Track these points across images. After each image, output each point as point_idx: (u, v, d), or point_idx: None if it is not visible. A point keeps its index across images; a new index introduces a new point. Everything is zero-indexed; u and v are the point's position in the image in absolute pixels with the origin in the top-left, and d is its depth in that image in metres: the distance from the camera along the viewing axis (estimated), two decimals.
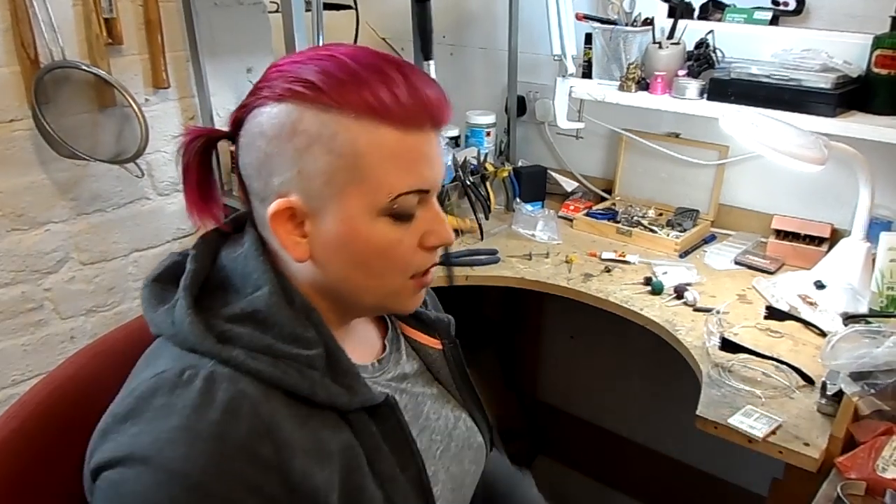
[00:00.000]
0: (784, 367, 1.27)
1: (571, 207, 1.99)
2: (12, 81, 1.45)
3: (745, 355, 1.30)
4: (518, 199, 2.00)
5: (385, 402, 0.74)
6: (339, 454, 0.69)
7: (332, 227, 0.70)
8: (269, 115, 0.68)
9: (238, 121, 0.72)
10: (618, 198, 2.01)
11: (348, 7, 2.00)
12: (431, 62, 1.38)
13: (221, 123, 1.81)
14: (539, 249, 1.79)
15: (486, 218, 1.91)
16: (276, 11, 1.81)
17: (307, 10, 1.50)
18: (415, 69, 0.71)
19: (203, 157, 0.75)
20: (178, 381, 0.64)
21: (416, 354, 0.90)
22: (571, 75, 1.79)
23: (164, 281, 0.74)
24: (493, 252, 1.76)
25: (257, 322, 0.69)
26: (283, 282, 0.73)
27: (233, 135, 0.73)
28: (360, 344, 0.83)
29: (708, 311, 1.48)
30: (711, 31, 1.67)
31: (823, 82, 1.46)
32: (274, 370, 0.67)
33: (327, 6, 1.72)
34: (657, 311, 1.50)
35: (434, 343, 0.91)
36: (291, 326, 0.70)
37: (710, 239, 1.82)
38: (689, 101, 1.63)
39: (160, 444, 0.60)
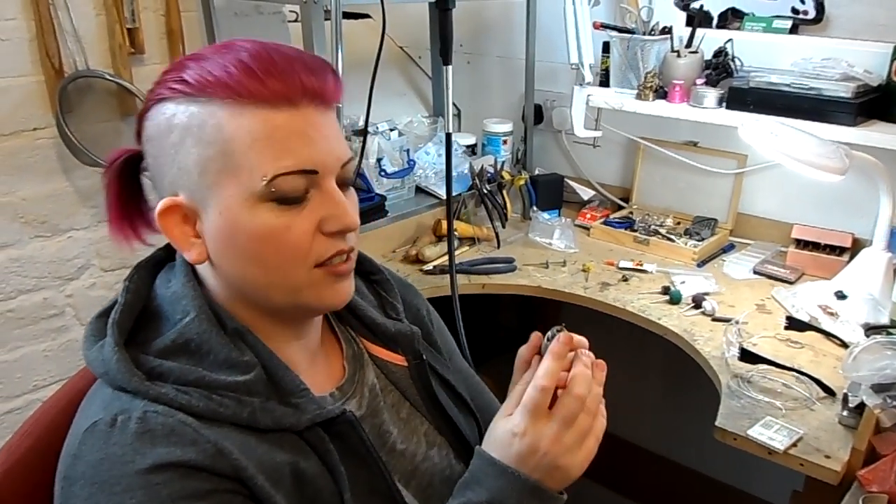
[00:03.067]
0: (804, 378, 1.26)
1: (588, 216, 1.98)
2: (37, 90, 1.47)
3: (765, 366, 1.29)
4: (535, 208, 1.99)
5: (342, 417, 0.70)
6: (293, 482, 0.66)
7: (215, 220, 0.66)
8: (151, 118, 0.68)
9: (138, 133, 0.71)
10: (635, 206, 2.00)
11: (367, 16, 2.02)
12: (450, 67, 1.39)
13: None
14: (556, 258, 1.78)
15: (503, 226, 1.91)
16: (296, 21, 1.83)
17: (326, 20, 1.51)
18: (294, 49, 0.67)
19: (123, 178, 0.73)
20: (111, 431, 0.61)
21: (380, 372, 0.83)
22: (589, 84, 1.79)
23: (109, 315, 0.70)
24: (510, 260, 1.76)
25: (190, 353, 0.67)
26: (215, 306, 0.70)
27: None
28: (319, 373, 0.77)
29: (727, 321, 1.47)
30: (730, 40, 1.67)
31: (843, 91, 1.45)
32: (209, 403, 0.64)
33: (347, 15, 1.73)
34: (675, 320, 1.49)
35: (398, 360, 0.84)
36: (226, 352, 0.67)
37: (728, 248, 1.81)
38: (708, 109, 1.63)
39: (117, 498, 0.59)
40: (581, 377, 0.69)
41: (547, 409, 0.68)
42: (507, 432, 0.68)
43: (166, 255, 0.77)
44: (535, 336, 0.76)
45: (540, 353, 0.76)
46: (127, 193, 0.74)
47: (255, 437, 0.66)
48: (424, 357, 0.85)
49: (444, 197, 1.89)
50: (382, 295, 0.89)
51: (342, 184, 0.70)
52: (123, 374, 0.64)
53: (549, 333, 0.75)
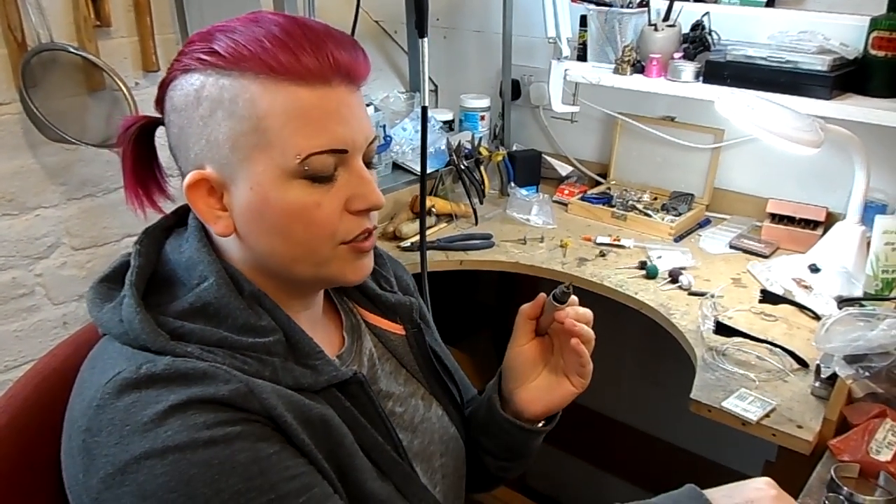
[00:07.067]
0: (778, 350, 1.27)
1: (566, 192, 1.98)
2: None
3: (740, 339, 1.30)
4: (512, 184, 1.99)
5: (353, 378, 0.73)
6: (320, 424, 0.68)
7: (245, 195, 0.67)
8: (178, 88, 0.67)
9: (160, 100, 0.71)
10: (613, 182, 2.00)
11: None
12: (426, 40, 1.36)
13: None
14: (533, 234, 1.78)
15: (481, 202, 1.90)
16: None
17: None
18: (323, 25, 0.68)
19: (139, 144, 0.73)
20: (138, 377, 0.61)
21: (378, 341, 0.86)
22: (566, 58, 1.78)
23: (112, 281, 0.71)
24: (488, 236, 1.75)
25: (208, 316, 0.67)
26: (231, 270, 0.70)
27: (161, 117, 0.72)
28: (321, 342, 0.78)
29: (702, 294, 1.48)
30: (707, 13, 1.66)
31: (820, 64, 1.45)
32: (233, 362, 0.65)
33: None
34: (652, 295, 1.50)
35: (396, 329, 0.87)
36: (244, 317, 0.68)
37: (704, 223, 1.82)
38: (685, 83, 1.62)
39: (151, 434, 0.59)
40: None
41: None
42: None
43: (174, 222, 0.77)
44: (541, 296, 0.80)
45: (543, 311, 0.82)
46: (142, 160, 0.74)
47: (282, 389, 0.67)
48: (422, 327, 0.88)
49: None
50: (376, 269, 0.90)
51: (367, 162, 0.71)
52: (148, 335, 0.64)
53: (554, 292, 0.79)
